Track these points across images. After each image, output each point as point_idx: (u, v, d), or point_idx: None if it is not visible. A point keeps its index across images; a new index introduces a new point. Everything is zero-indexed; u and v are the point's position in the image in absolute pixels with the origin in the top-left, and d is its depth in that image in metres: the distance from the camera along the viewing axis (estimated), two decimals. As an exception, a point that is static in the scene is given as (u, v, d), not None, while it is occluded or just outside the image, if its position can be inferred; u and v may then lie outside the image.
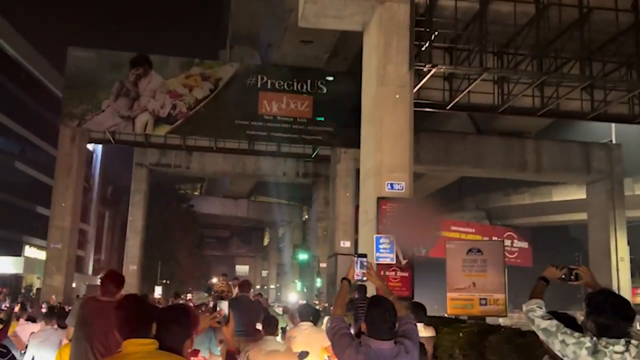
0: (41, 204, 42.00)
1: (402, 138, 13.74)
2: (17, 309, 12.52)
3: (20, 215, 42.57)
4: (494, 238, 46.04)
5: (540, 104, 17.46)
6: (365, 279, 3.82)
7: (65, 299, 25.07)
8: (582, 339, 2.93)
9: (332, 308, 4.32)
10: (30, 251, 44.37)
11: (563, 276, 3.34)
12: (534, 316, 3.17)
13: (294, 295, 44.35)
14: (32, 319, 9.46)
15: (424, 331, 6.83)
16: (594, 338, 2.90)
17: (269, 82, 27.28)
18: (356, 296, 10.02)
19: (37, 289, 35.74)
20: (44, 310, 11.33)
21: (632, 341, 2.86)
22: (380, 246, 13.24)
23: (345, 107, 27.01)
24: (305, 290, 56.49)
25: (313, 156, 30.87)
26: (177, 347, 2.77)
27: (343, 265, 27.02)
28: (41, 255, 39.41)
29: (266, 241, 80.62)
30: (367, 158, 14.80)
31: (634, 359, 2.81)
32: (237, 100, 27.09)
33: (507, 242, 46.30)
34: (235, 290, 12.08)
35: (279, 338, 6.56)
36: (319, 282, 39.74)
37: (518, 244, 47.46)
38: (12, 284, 38.42)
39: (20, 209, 42.81)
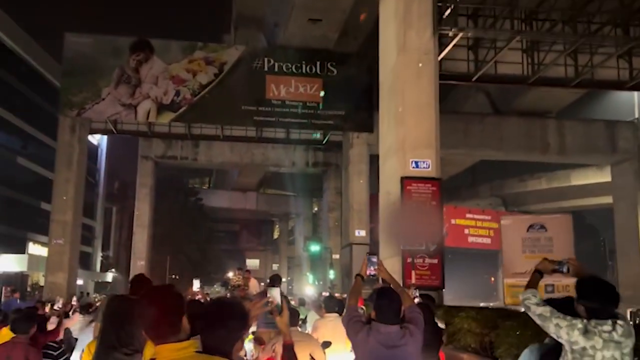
0: (45, 200, 40.75)
1: (428, 110, 12.27)
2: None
3: (24, 211, 41.42)
4: (511, 225, 45.16)
5: (574, 74, 15.92)
6: (376, 274, 4.23)
7: (69, 297, 23.92)
8: (573, 321, 3.25)
9: (347, 300, 4.64)
10: (34, 248, 43.25)
11: (556, 267, 3.66)
12: (530, 304, 3.48)
13: (310, 288, 43.40)
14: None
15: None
16: (584, 320, 3.24)
17: (276, 65, 25.76)
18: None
19: (41, 286, 34.57)
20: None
21: (618, 321, 3.22)
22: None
23: (357, 89, 25.55)
24: (317, 282, 55.38)
25: (324, 142, 29.39)
26: (224, 350, 2.29)
27: (358, 255, 25.66)
28: (45, 252, 38.39)
29: (276, 234, 79.84)
30: (388, 135, 13.31)
31: (621, 337, 3.18)
32: (243, 84, 25.62)
33: (524, 230, 45.17)
34: (251, 283, 12.63)
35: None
36: (332, 274, 38.56)
37: (535, 231, 45.89)
38: (17, 282, 37.25)
39: (24, 205, 41.67)
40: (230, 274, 28.45)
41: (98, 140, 47.69)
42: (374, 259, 4.28)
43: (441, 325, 7.21)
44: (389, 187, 12.93)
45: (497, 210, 46.37)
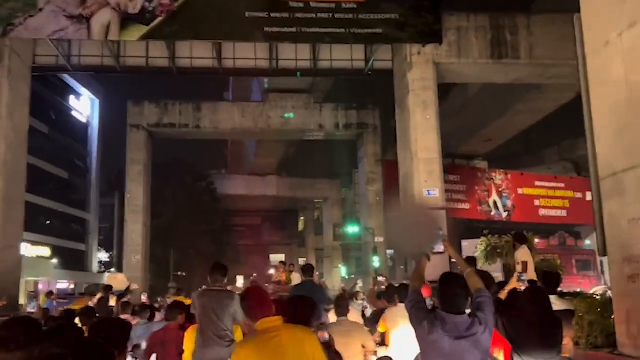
0: None
1: None
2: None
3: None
4: (588, 193, 35.38)
5: None
6: (442, 251, 3.78)
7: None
8: None
9: (410, 282, 3.76)
10: None
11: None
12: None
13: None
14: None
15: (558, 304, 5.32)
16: None
17: (295, -53, 16.73)
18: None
19: None
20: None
21: None
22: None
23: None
24: (352, 276, 46.62)
25: (368, 70, 19.95)
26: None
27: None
28: None
29: (301, 226, 72.55)
30: None
31: None
32: (247, -22, 16.66)
33: (604, 199, 35.63)
34: (294, 277, 12.43)
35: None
36: (376, 262, 29.64)
37: (617, 199, 36.33)
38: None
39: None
40: (272, 271, 23.14)
41: (87, 117, 39.03)
42: (440, 233, 3.77)
43: (565, 306, 5.53)
44: None
45: (571, 177, 36.92)
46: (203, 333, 5.11)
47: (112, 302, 9.94)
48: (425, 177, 17.07)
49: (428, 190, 17.03)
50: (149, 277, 30.40)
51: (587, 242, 25.15)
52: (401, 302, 5.95)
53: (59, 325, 4.29)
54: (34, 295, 16.03)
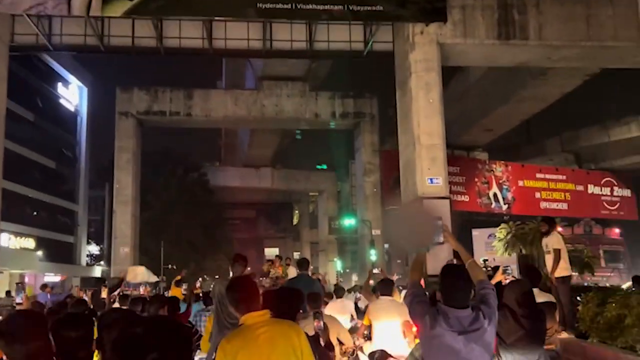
0: None
1: None
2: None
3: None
4: (590, 186, 34.78)
5: None
6: (442, 241, 3.49)
7: None
8: None
9: (409, 273, 3.57)
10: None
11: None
12: None
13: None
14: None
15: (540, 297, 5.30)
16: None
17: None
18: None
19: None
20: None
21: None
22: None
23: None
24: (347, 270, 45.69)
25: (367, 52, 18.77)
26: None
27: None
28: None
29: (296, 219, 71.49)
30: None
31: None
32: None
33: (606, 191, 34.93)
34: (290, 271, 12.10)
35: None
36: (373, 255, 28.66)
37: (619, 191, 35.65)
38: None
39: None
40: (265, 267, 21.56)
41: (76, 105, 37.66)
42: (440, 224, 3.47)
43: (544, 298, 5.43)
44: None
45: (572, 169, 35.95)
46: (218, 319, 5.37)
47: (104, 294, 9.70)
48: (428, 165, 15.96)
49: (431, 179, 15.93)
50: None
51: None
52: (383, 295, 6.11)
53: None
54: (21, 287, 15.44)
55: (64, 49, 19.32)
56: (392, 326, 5.63)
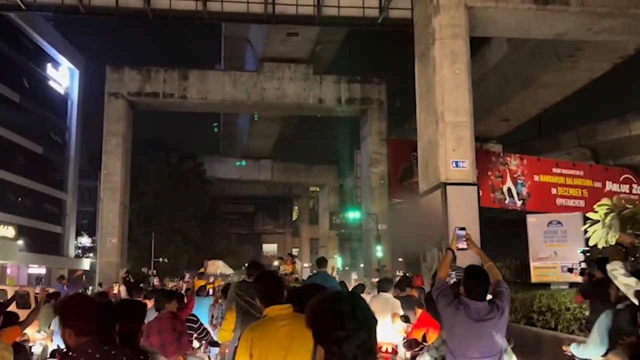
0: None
1: None
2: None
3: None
4: (607, 182, 32.61)
5: None
6: (465, 247, 4.23)
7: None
8: None
9: (437, 272, 4.34)
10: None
11: (637, 242, 3.73)
12: (617, 274, 3.86)
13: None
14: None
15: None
16: None
17: None
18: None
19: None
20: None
21: None
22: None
23: None
24: (346, 268, 43.52)
25: (381, 20, 16.38)
26: None
27: (459, 204, 13.08)
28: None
29: (295, 215, 69.73)
30: None
31: None
32: None
33: (625, 188, 32.82)
34: (297, 267, 12.70)
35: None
36: (379, 251, 26.46)
37: (638, 189, 33.57)
38: None
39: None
40: (276, 262, 21.90)
41: (66, 88, 35.28)
42: (464, 233, 4.23)
43: None
44: None
45: (590, 164, 33.73)
46: (240, 311, 5.48)
47: (116, 289, 10.55)
48: (453, 145, 13.64)
49: (456, 162, 13.62)
50: (128, 263, 26.89)
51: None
52: (383, 291, 6.96)
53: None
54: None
55: (38, 9, 16.92)
56: (387, 323, 6.34)
